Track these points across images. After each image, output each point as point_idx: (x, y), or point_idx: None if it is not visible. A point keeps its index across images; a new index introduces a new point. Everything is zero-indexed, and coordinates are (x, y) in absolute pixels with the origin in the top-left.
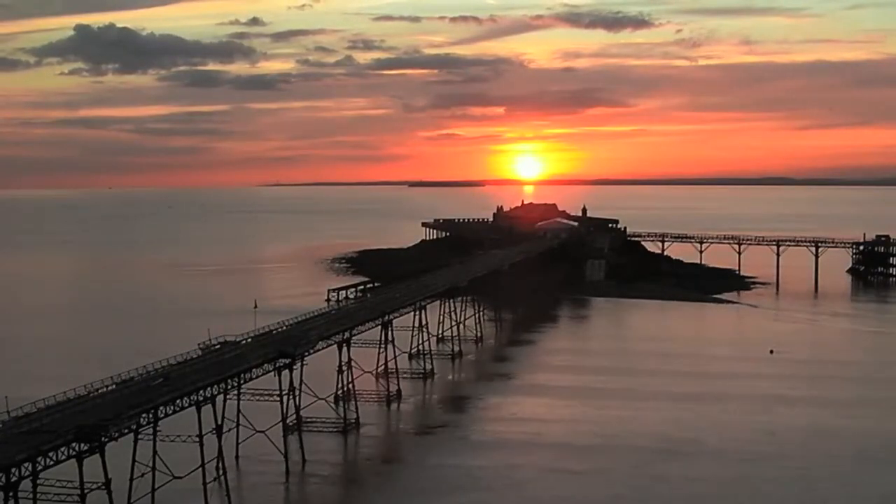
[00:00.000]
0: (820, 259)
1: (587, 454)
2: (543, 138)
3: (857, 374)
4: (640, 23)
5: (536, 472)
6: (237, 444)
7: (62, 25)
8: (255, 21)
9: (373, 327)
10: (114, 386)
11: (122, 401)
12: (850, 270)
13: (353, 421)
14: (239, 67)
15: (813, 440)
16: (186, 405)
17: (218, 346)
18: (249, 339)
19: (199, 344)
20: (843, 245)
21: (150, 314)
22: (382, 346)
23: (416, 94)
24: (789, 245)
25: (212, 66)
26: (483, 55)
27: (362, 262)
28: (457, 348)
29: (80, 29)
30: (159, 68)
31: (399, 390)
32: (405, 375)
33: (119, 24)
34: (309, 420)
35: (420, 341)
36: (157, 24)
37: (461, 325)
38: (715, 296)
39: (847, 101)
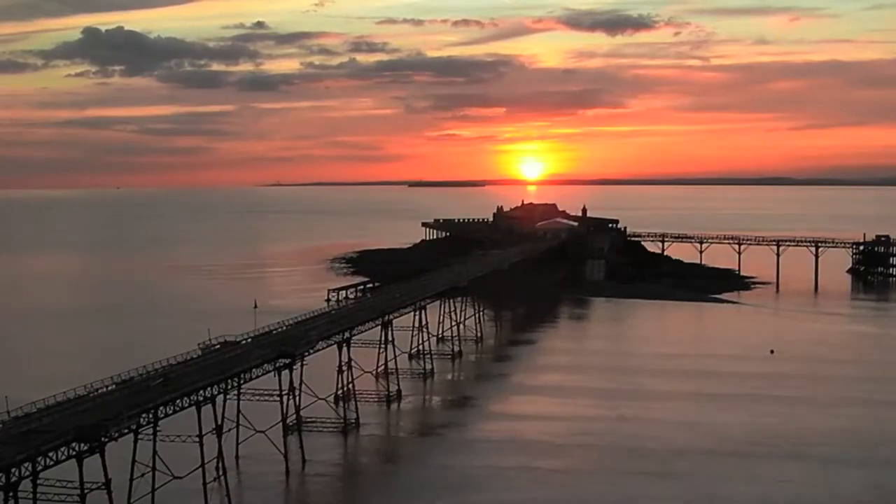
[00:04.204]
0: (820, 259)
1: (587, 454)
2: (544, 138)
3: (857, 373)
4: (640, 25)
5: (536, 472)
6: (237, 444)
7: (68, 26)
8: (259, 24)
9: (373, 327)
10: (114, 386)
11: (122, 401)
12: (850, 270)
13: (353, 421)
14: (242, 69)
15: (812, 440)
16: (186, 405)
17: (218, 346)
18: (249, 339)
19: (199, 344)
20: (843, 245)
21: (151, 314)
22: (382, 346)
23: (418, 96)
24: (789, 245)
25: (216, 68)
26: (484, 57)
27: (362, 262)
28: (457, 348)
29: (87, 31)
30: (165, 70)
31: (399, 390)
32: (405, 375)
33: (125, 26)
34: (309, 420)
35: (420, 341)
36: (164, 24)
37: (461, 325)
38: (715, 296)
39: (848, 101)
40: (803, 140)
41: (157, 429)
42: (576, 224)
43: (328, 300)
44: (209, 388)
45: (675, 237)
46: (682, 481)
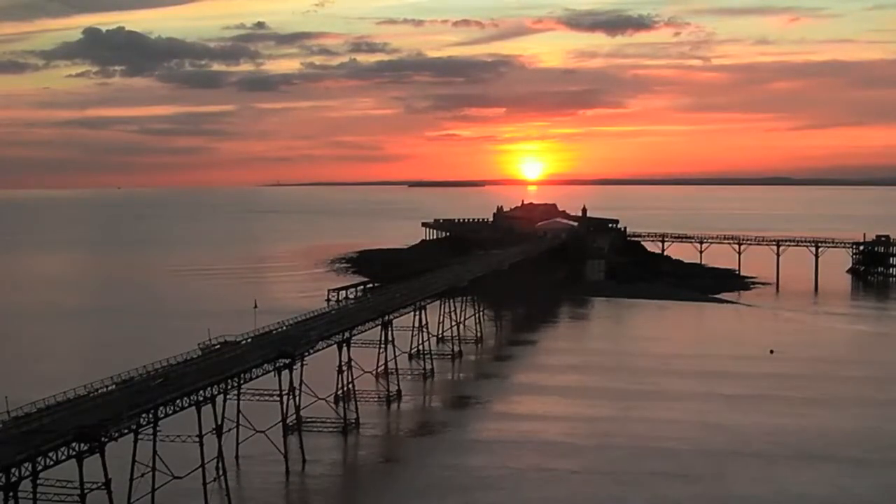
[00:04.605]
0: (820, 259)
1: (587, 454)
2: (544, 138)
3: (857, 373)
4: (640, 25)
5: (536, 471)
6: (237, 444)
7: (69, 26)
8: (260, 25)
9: (373, 327)
10: (114, 386)
11: (122, 401)
12: (850, 270)
13: (353, 421)
14: (243, 69)
15: (812, 439)
16: (186, 405)
17: (218, 346)
18: (249, 339)
19: (199, 344)
20: (843, 245)
21: (151, 314)
22: (382, 346)
23: (418, 96)
24: (789, 245)
25: (216, 68)
26: (485, 57)
27: (362, 262)
28: (457, 348)
29: (88, 32)
30: (165, 70)
31: (399, 390)
32: (405, 375)
33: (126, 26)
34: (309, 420)
35: (420, 341)
36: (164, 24)
37: (461, 325)
38: (715, 296)
39: (848, 101)
40: (803, 140)
41: (157, 429)
42: (576, 224)
43: (328, 300)
44: (209, 388)
45: (675, 237)
46: (681, 480)
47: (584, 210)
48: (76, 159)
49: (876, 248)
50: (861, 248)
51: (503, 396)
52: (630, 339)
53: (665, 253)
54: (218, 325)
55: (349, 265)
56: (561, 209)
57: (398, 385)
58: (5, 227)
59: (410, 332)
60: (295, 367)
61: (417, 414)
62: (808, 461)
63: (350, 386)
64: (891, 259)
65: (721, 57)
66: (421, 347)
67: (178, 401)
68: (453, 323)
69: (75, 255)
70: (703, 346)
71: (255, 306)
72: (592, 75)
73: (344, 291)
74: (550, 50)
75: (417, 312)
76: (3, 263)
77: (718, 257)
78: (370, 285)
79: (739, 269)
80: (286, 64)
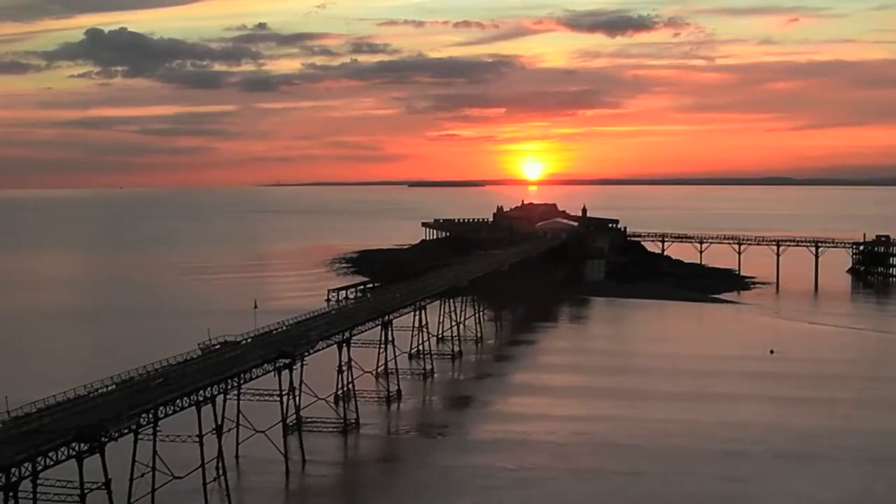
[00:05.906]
0: (820, 259)
1: (587, 454)
2: (544, 138)
3: (857, 373)
4: (640, 26)
5: (536, 472)
6: (237, 444)
7: (71, 27)
8: (261, 25)
9: (373, 327)
10: (114, 386)
11: (122, 401)
12: (850, 270)
13: (353, 421)
14: (244, 69)
15: (812, 439)
16: (186, 405)
17: (218, 346)
18: (249, 339)
19: (199, 344)
20: (843, 245)
21: (151, 314)
22: (382, 346)
23: (418, 97)
24: (789, 245)
25: (217, 68)
26: (485, 58)
27: (362, 262)
28: (457, 348)
29: (90, 32)
30: (167, 71)
31: (399, 390)
32: (405, 375)
33: (128, 27)
34: (309, 420)
35: (420, 341)
36: (166, 25)
37: (461, 325)
38: (715, 296)
39: (848, 101)
40: (803, 140)
41: (157, 429)
42: (576, 224)
43: (328, 300)
44: (209, 388)
45: (675, 237)
46: (680, 481)
47: (584, 210)
48: (77, 159)
49: (876, 248)
50: (861, 248)
51: (503, 396)
52: (630, 339)
53: (665, 253)
54: (218, 325)
55: (349, 265)
56: (561, 209)
57: (398, 385)
58: (6, 227)
59: (410, 332)
60: (295, 367)
61: (417, 414)
62: (799, 460)
63: (350, 386)
64: (891, 259)
65: (725, 57)
66: (421, 347)
67: (178, 401)
68: (453, 323)
69: (76, 256)
70: (702, 346)
71: (255, 306)
72: (593, 76)
73: (344, 291)
74: (551, 50)
75: (417, 312)
76: (3, 263)
77: (718, 257)
78: (370, 285)
79: (739, 269)
80: (287, 64)
